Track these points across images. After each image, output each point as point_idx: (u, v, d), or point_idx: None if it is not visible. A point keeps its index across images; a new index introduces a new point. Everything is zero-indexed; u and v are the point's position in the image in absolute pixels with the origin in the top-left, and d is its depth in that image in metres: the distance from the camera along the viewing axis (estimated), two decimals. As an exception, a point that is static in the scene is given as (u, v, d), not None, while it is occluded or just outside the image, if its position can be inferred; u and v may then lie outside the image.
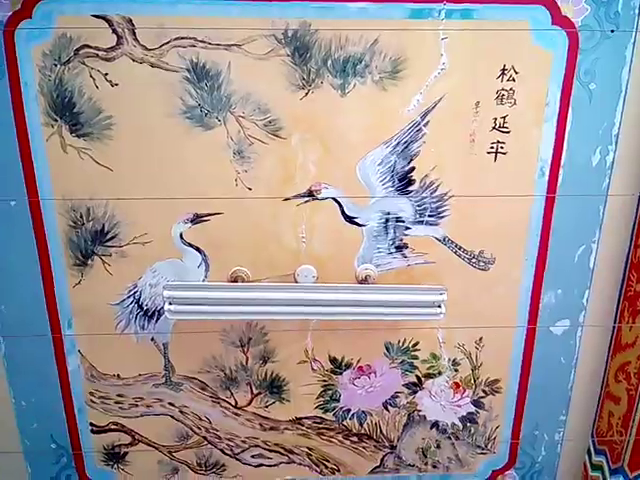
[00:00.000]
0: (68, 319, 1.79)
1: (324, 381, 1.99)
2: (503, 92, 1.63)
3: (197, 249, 1.73)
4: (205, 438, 2.04)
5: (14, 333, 1.80)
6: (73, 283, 1.75)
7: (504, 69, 1.60)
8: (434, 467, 2.18)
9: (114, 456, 2.04)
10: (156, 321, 1.82)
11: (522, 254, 1.83)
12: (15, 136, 1.58)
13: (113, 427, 1.98)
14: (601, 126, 1.68)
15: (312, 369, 1.96)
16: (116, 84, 1.55)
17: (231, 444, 2.06)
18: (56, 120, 1.57)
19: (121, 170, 1.63)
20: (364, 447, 2.13)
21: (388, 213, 1.75)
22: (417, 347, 1.96)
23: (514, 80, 1.62)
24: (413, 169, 1.70)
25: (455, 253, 1.82)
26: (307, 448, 2.10)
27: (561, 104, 1.65)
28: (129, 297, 1.78)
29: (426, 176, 1.71)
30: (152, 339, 1.85)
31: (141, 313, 1.80)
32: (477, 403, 2.08)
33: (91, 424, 1.97)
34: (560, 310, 1.93)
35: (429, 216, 1.77)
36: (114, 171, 1.63)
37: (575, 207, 1.78)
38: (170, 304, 1.62)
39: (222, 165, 1.65)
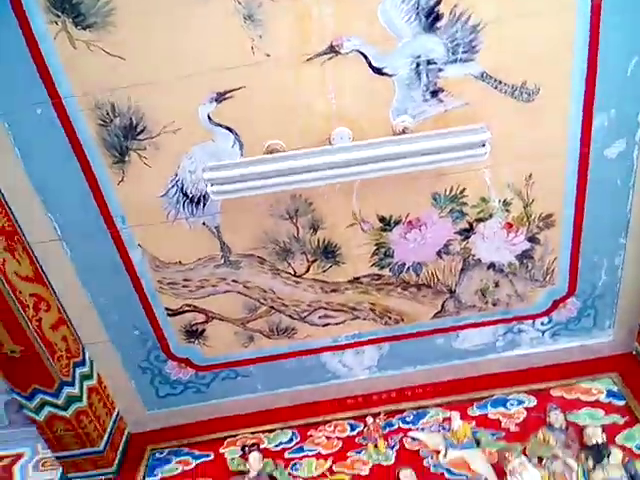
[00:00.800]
0: (121, 215, 1.86)
1: (376, 240, 2.02)
2: None
3: (227, 128, 1.70)
4: (272, 307, 2.17)
5: (74, 236, 1.89)
6: (116, 181, 1.78)
7: None
8: (494, 305, 2.24)
9: (193, 334, 2.21)
10: (203, 206, 1.86)
11: (569, 76, 1.70)
12: (24, 41, 1.53)
13: (186, 309, 2.13)
14: None
15: (362, 230, 1.99)
16: (107, -37, 1.44)
17: (297, 309, 2.18)
18: (59, 16, 1.50)
19: (133, 57, 1.57)
20: (423, 296, 2.20)
21: (418, 56, 1.64)
22: (465, 193, 1.93)
23: None
24: (440, 1, 1.55)
25: (495, 88, 1.70)
26: (369, 303, 2.20)
27: None
28: (172, 187, 1.81)
29: (455, 6, 1.56)
30: (203, 223, 1.90)
31: (187, 200, 1.84)
32: (532, 239, 2.07)
33: (166, 309, 2.12)
34: (614, 131, 1.82)
35: (463, 52, 1.64)
36: (126, 60, 1.57)
37: (627, 10, 1.58)
38: (212, 185, 1.64)
39: (235, 33, 1.55)
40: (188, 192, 1.82)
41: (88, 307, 2.05)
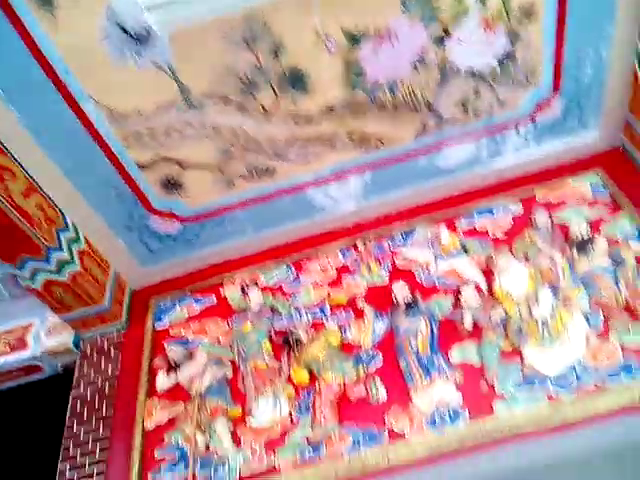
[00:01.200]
0: (63, 67, 1.70)
1: (344, 59, 1.86)
2: None
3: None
4: (247, 148, 2.08)
5: (20, 96, 1.74)
6: (51, 29, 1.59)
7: None
8: (476, 115, 2.15)
9: (172, 186, 2.15)
10: (150, 42, 1.68)
11: None
12: None
13: (158, 160, 2.04)
14: None
15: (328, 51, 1.83)
16: None
17: (273, 147, 2.10)
18: None
19: None
20: (402, 115, 2.10)
21: None
22: (437, -8, 1.75)
23: None
24: None
25: None
26: (346, 131, 2.11)
27: None
28: (111, 26, 1.61)
29: None
30: (155, 63, 1.73)
31: (130, 39, 1.65)
32: (513, 36, 1.91)
33: (137, 163, 2.03)
34: None
35: None
36: None
37: None
38: (150, 13, 1.46)
39: None
40: (128, 28, 1.63)
41: (56, 172, 1.97)
